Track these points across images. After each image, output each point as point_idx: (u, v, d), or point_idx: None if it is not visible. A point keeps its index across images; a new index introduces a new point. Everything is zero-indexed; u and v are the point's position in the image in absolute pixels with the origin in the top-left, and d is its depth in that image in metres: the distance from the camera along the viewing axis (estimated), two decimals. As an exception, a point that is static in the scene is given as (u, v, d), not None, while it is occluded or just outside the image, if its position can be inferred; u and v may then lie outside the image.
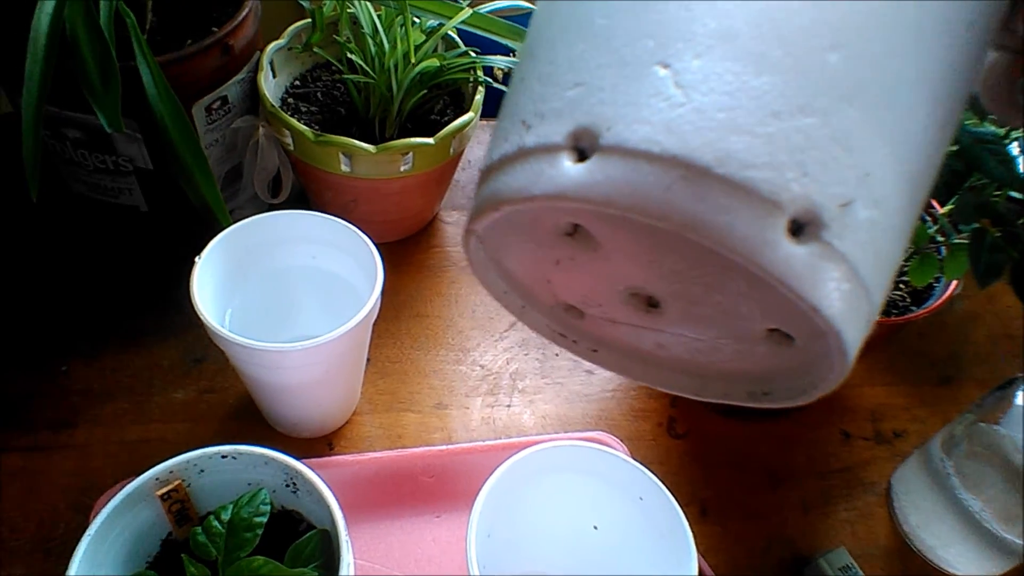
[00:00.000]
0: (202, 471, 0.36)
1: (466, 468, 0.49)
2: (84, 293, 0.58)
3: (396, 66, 0.52)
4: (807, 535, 0.51)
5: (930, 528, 0.49)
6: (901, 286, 0.50)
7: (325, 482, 0.35)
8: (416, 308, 0.60)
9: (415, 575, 0.46)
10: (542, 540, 0.43)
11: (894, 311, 0.48)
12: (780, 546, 0.50)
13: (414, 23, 0.53)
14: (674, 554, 0.37)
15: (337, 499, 0.35)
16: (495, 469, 0.38)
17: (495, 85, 0.58)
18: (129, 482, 0.42)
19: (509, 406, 0.55)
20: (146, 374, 0.54)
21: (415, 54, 0.52)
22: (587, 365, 0.58)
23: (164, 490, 0.35)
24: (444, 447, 0.50)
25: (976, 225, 0.39)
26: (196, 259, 0.44)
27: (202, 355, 0.55)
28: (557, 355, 0.59)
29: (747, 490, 0.52)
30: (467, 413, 0.55)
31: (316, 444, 0.52)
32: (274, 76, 0.56)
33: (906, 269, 0.45)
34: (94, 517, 0.44)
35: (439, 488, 0.49)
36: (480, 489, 0.37)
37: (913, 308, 0.50)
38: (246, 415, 0.53)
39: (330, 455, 0.51)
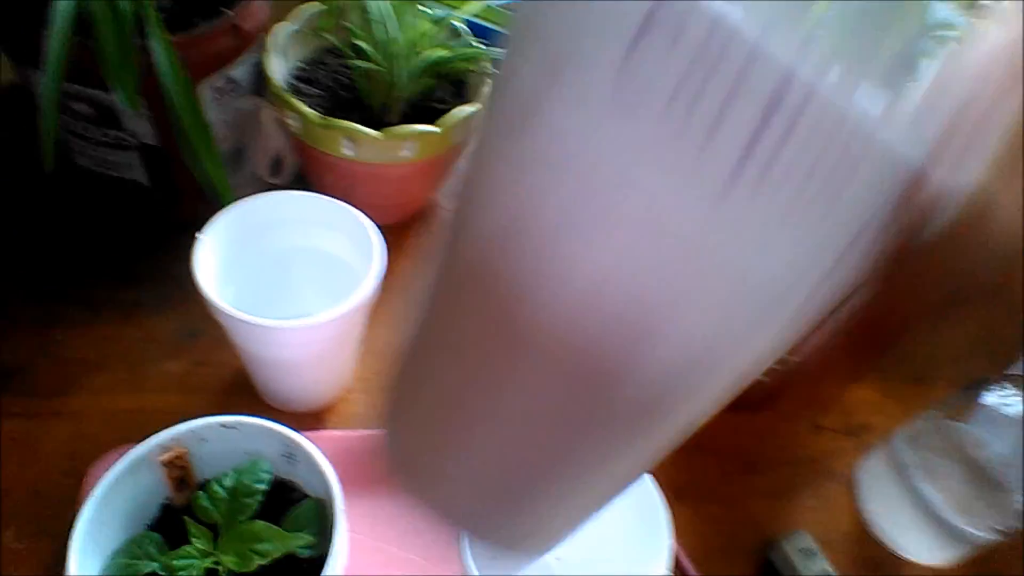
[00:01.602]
0: (203, 440, 0.38)
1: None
2: (82, 263, 0.58)
3: (403, 54, 0.54)
4: (774, 520, 0.53)
5: (890, 516, 0.52)
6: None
7: (323, 453, 0.37)
8: (409, 291, 0.62)
9: (402, 549, 0.48)
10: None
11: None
12: (748, 530, 0.52)
13: (423, 12, 0.54)
14: (649, 537, 0.39)
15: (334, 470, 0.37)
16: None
17: (496, 77, 0.59)
18: (131, 448, 0.44)
19: (496, 389, 0.57)
20: (141, 345, 0.55)
21: (422, 43, 0.54)
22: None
23: (167, 457, 0.37)
24: (433, 426, 0.52)
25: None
26: (198, 235, 0.46)
27: (197, 329, 0.56)
28: (544, 342, 0.61)
29: (720, 476, 0.55)
30: (455, 395, 0.56)
31: (307, 419, 0.53)
32: (281, 59, 0.57)
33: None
34: (88, 481, 0.46)
35: (427, 465, 0.51)
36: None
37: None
38: (239, 388, 0.54)
39: (322, 429, 0.53)
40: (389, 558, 0.47)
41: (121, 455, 0.47)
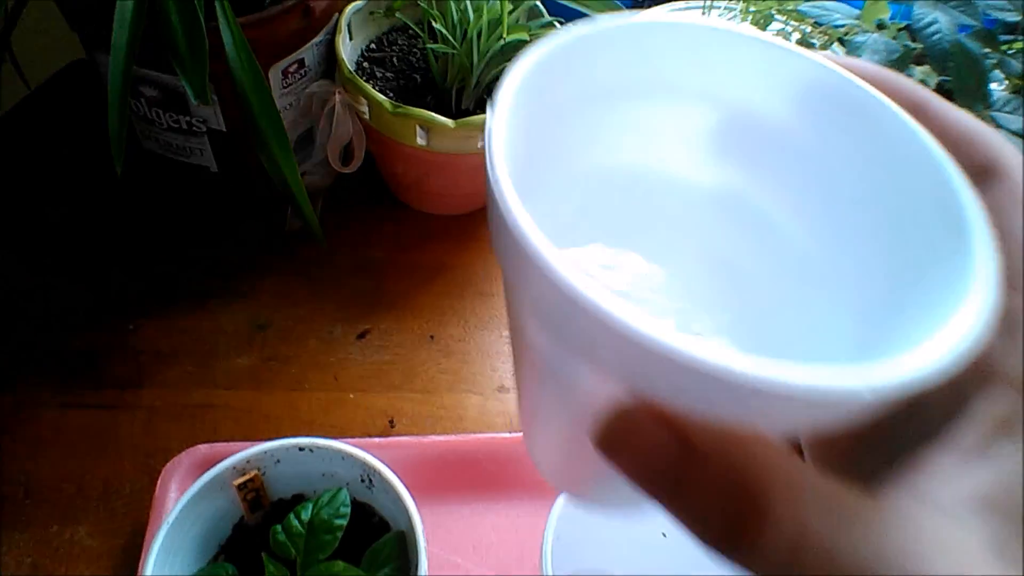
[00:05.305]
0: (278, 461, 0.36)
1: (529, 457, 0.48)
2: (152, 251, 0.57)
3: (479, 35, 0.50)
4: None
5: None
6: None
7: (402, 482, 0.35)
8: (480, 286, 0.59)
9: (472, 562, 0.46)
10: (607, 542, 0.42)
11: None
12: None
13: (501, -10, 0.50)
14: None
15: (415, 500, 0.34)
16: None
17: (579, 57, 0.55)
18: (203, 447, 0.42)
19: (573, 394, 0.54)
20: (211, 338, 0.54)
21: (500, 24, 0.49)
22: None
23: (241, 480, 0.35)
24: (509, 435, 0.50)
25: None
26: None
27: (266, 322, 0.55)
28: (623, 344, 0.57)
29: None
30: (530, 398, 0.53)
31: (377, 420, 0.51)
32: (350, 39, 0.54)
33: None
34: (161, 485, 0.45)
35: (501, 475, 0.49)
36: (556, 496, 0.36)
37: None
38: (309, 386, 0.52)
39: (392, 434, 0.51)
40: (464, 574, 0.45)
41: (194, 457, 0.46)
